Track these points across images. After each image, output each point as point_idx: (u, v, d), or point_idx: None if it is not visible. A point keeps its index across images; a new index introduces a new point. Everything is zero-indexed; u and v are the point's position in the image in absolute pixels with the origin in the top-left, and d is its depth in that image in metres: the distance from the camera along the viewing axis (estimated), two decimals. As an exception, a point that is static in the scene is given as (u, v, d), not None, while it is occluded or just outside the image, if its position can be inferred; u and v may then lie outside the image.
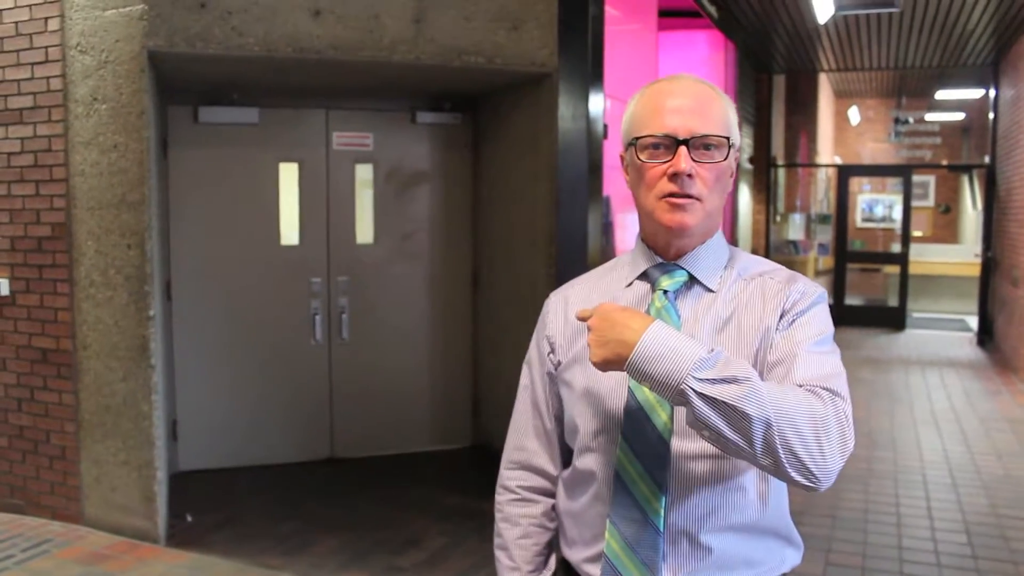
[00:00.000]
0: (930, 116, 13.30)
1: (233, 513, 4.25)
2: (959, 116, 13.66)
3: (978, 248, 10.98)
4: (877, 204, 14.16)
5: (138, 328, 3.79)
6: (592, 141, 4.18)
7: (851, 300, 11.45)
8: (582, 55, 4.14)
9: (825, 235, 12.02)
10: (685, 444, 1.25)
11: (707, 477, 1.26)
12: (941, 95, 12.27)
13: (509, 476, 1.50)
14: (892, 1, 5.55)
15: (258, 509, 4.32)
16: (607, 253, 4.52)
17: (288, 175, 5.05)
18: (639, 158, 1.30)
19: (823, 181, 12.90)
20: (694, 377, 1.09)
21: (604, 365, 1.17)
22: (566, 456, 1.45)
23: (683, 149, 1.26)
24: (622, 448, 1.28)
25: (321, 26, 3.78)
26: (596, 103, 4.18)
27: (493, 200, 5.12)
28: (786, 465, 1.10)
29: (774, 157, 10.29)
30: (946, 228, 15.12)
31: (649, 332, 1.14)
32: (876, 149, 14.57)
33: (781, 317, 1.27)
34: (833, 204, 12.51)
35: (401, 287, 5.27)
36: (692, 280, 1.33)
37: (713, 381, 1.09)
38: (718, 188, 1.30)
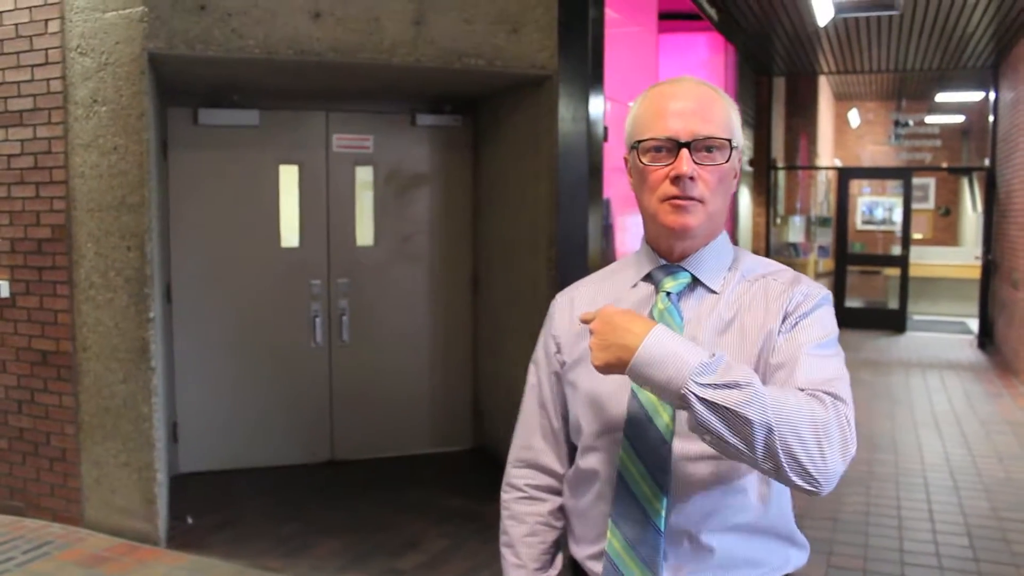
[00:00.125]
0: (930, 119, 13.31)
1: (233, 515, 4.25)
2: (959, 119, 13.66)
3: (978, 250, 10.99)
4: (877, 207, 14.17)
5: (138, 330, 3.78)
6: (592, 143, 4.18)
7: (851, 302, 11.45)
8: (582, 57, 4.14)
9: (825, 237, 12.03)
10: (687, 446, 1.26)
11: (708, 478, 1.26)
12: (941, 98, 12.27)
13: (516, 474, 1.51)
14: (892, 4, 5.55)
15: (258, 511, 4.32)
16: (607, 255, 4.52)
17: (288, 177, 5.05)
18: (641, 161, 1.30)
19: (823, 183, 12.90)
20: (695, 382, 1.09)
21: (606, 369, 1.18)
22: (573, 455, 1.46)
23: (685, 152, 1.26)
24: (624, 449, 1.29)
25: (321, 28, 3.78)
26: (596, 105, 4.18)
27: (493, 202, 5.12)
28: (787, 470, 1.10)
29: (774, 159, 10.29)
30: (946, 231, 15.12)
31: (651, 336, 1.14)
32: (876, 152, 14.58)
33: (784, 319, 1.27)
34: (833, 206, 12.52)
35: (401, 289, 5.27)
36: (695, 282, 1.34)
37: (715, 386, 1.09)
38: (720, 190, 1.31)
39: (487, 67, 4.05)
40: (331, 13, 3.79)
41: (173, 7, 3.61)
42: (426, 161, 5.29)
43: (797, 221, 11.49)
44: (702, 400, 1.09)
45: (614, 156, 4.60)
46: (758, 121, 9.93)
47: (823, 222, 12.20)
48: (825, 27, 7.44)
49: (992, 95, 10.00)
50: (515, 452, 1.52)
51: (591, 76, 4.15)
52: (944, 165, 13.38)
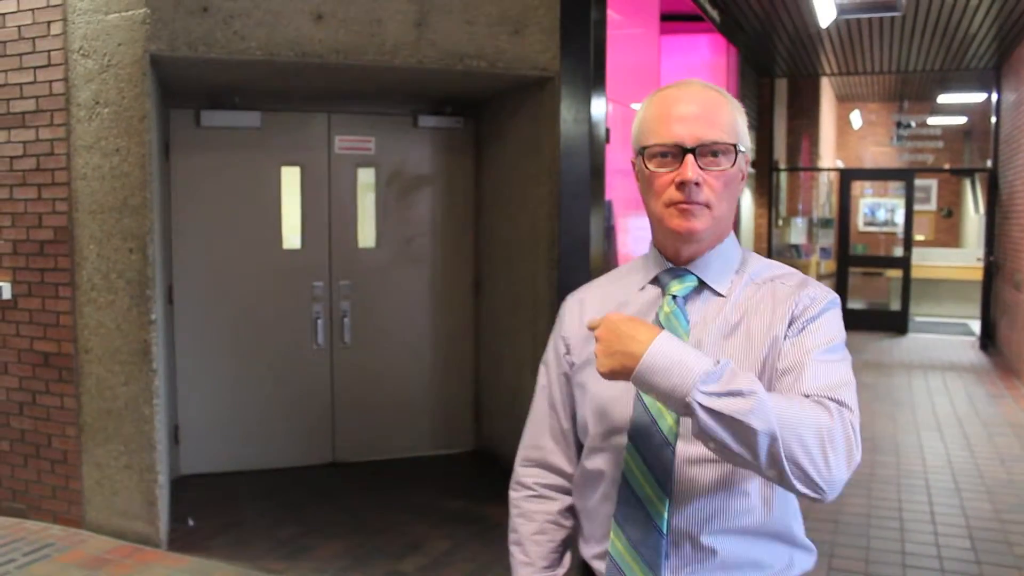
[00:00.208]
0: (932, 120, 13.29)
1: (235, 517, 4.25)
2: (961, 120, 13.64)
3: (980, 252, 10.97)
4: (879, 208, 14.15)
5: (140, 332, 3.79)
6: (594, 145, 4.18)
7: (853, 304, 11.44)
8: (584, 59, 4.14)
9: (827, 239, 12.01)
10: (690, 448, 1.26)
11: (711, 481, 1.27)
12: (943, 99, 12.26)
13: (525, 473, 1.52)
14: (894, 5, 5.55)
15: (260, 513, 4.32)
16: (609, 257, 4.52)
17: (290, 179, 5.05)
18: (647, 167, 1.31)
19: (825, 185, 12.88)
20: (699, 390, 1.10)
21: (611, 376, 1.18)
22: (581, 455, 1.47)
23: (690, 158, 1.26)
24: (628, 451, 1.30)
25: (323, 30, 3.79)
26: (598, 107, 4.17)
27: (495, 204, 5.12)
28: (791, 477, 1.10)
29: (776, 161, 10.29)
30: (948, 232, 15.10)
31: (655, 344, 1.14)
32: (878, 153, 14.56)
33: (791, 324, 1.27)
34: (835, 208, 12.50)
35: (403, 291, 5.27)
36: (702, 285, 1.34)
37: (718, 395, 1.10)
38: (726, 194, 1.31)
39: (489, 69, 4.05)
40: (333, 15, 3.79)
41: (175, 9, 3.61)
42: (428, 163, 5.29)
43: (799, 223, 11.48)
44: (706, 408, 1.10)
45: (616, 158, 4.60)
46: (760, 123, 9.93)
47: (825, 224, 12.18)
48: (827, 28, 7.44)
49: (994, 96, 9.98)
50: (524, 451, 1.53)
51: (593, 78, 4.15)
52: (946, 166, 13.37)
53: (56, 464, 4.03)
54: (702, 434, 1.12)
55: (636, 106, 5.35)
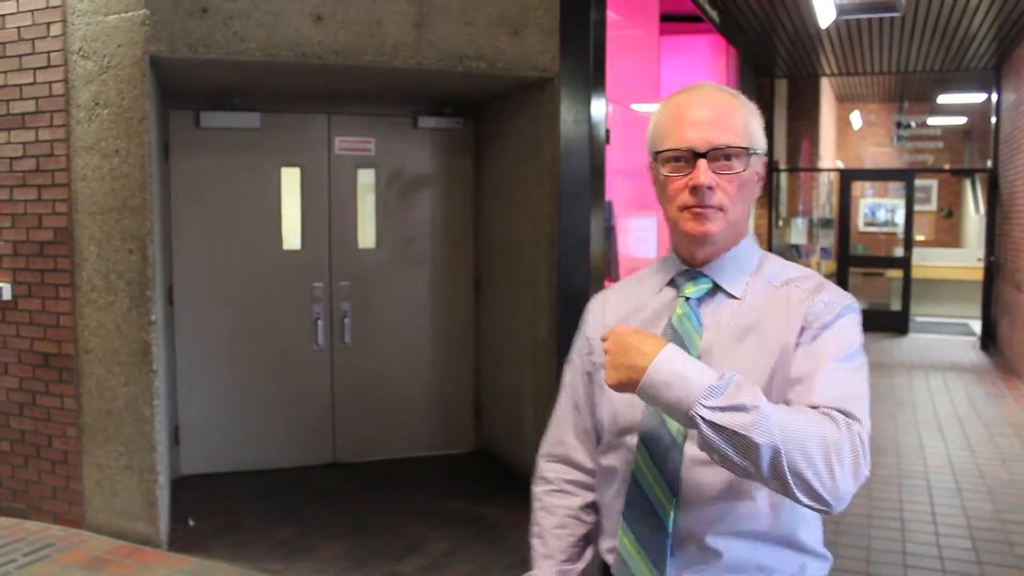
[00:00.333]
0: (932, 120, 13.29)
1: (235, 518, 4.25)
2: (961, 120, 13.64)
3: (981, 252, 10.96)
4: (879, 208, 14.15)
5: (140, 333, 3.79)
6: (594, 146, 4.17)
7: (854, 304, 11.42)
8: (584, 60, 4.14)
9: (827, 239, 12.00)
10: (698, 451, 1.26)
11: (718, 484, 1.27)
12: (943, 99, 12.26)
13: (548, 468, 1.54)
14: (894, 5, 5.54)
15: (260, 514, 4.31)
16: (609, 258, 4.52)
17: (290, 180, 5.05)
18: (661, 171, 1.32)
19: (825, 185, 12.88)
20: (702, 404, 1.11)
21: (617, 387, 1.20)
22: None
23: (702, 162, 1.27)
24: (639, 450, 1.32)
25: (323, 31, 3.79)
26: (598, 108, 4.17)
27: (495, 204, 5.12)
28: (795, 490, 1.11)
29: (776, 161, 10.28)
30: (949, 232, 15.10)
31: (660, 358, 1.15)
32: (878, 153, 14.56)
33: (804, 331, 1.26)
34: (835, 208, 12.50)
35: (403, 291, 5.27)
36: (716, 287, 1.35)
37: (721, 409, 1.11)
38: (740, 197, 1.31)
39: (489, 69, 4.05)
40: (332, 16, 3.80)
41: (175, 10, 3.61)
42: (428, 163, 5.29)
43: (799, 223, 11.48)
44: (708, 422, 1.11)
45: (616, 158, 4.60)
46: (760, 123, 9.91)
47: (825, 224, 12.17)
48: (827, 29, 7.44)
49: (994, 96, 9.98)
50: (548, 447, 1.56)
51: (593, 78, 4.14)
52: (946, 167, 13.37)
53: (56, 464, 4.03)
54: (705, 447, 1.13)
55: (636, 107, 5.36)
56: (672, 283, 1.39)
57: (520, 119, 4.65)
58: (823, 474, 1.10)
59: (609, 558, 1.40)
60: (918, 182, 12.92)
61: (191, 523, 4.13)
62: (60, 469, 4.03)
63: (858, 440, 1.14)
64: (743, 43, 7.87)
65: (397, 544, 3.92)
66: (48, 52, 3.85)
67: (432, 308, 5.36)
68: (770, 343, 1.27)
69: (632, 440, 1.33)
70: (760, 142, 1.33)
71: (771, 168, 10.01)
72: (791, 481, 1.10)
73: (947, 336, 10.86)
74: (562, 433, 1.53)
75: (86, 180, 3.83)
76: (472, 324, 5.42)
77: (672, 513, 1.28)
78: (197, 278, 4.83)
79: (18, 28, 3.91)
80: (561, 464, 1.52)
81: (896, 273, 11.43)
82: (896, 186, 13.48)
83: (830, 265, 11.93)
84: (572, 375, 1.52)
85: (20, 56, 3.92)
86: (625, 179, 5.01)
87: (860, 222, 13.84)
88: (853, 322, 1.28)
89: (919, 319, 11.85)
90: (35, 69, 3.89)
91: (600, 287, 4.28)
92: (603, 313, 1.47)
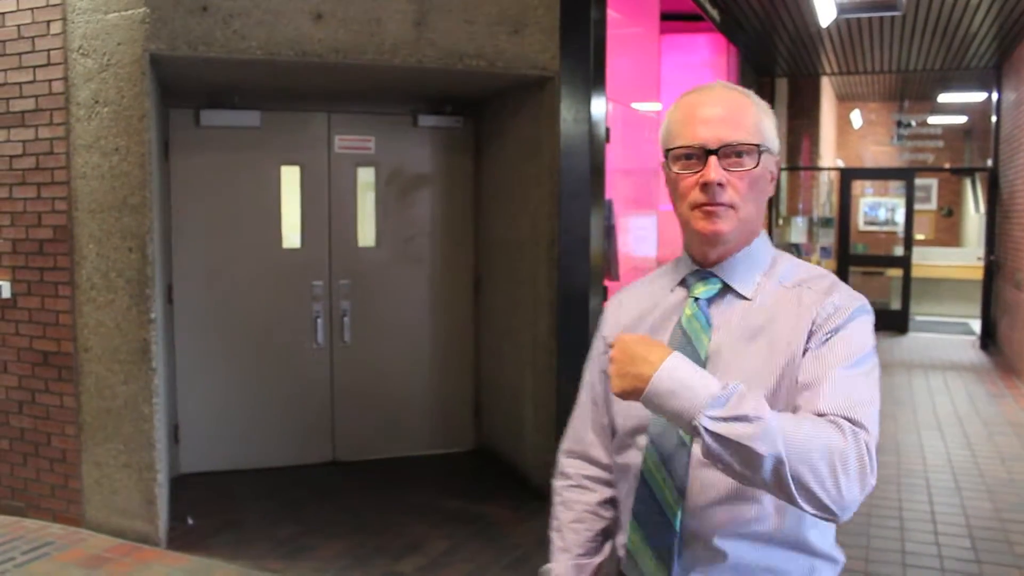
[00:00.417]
0: (932, 119, 13.29)
1: (234, 516, 4.25)
2: (961, 119, 13.64)
3: (981, 251, 10.97)
4: (879, 207, 14.15)
5: (139, 331, 3.78)
6: (594, 144, 4.18)
7: (854, 303, 11.42)
8: (584, 58, 4.14)
9: (827, 238, 12.00)
10: None
11: (725, 485, 1.27)
12: (943, 98, 12.25)
13: (567, 464, 1.56)
14: (894, 4, 5.54)
15: (259, 512, 4.31)
16: (609, 256, 4.52)
17: (290, 178, 5.05)
18: (673, 169, 1.32)
19: (825, 184, 12.88)
20: (705, 415, 1.11)
21: (623, 395, 1.21)
22: None
23: (713, 159, 1.27)
24: (648, 449, 1.33)
25: (323, 29, 3.78)
26: (598, 106, 4.17)
27: (495, 203, 5.12)
28: (799, 499, 1.11)
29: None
30: (949, 231, 15.10)
31: (664, 367, 1.16)
32: (878, 152, 14.56)
33: (813, 335, 1.25)
34: (835, 207, 12.50)
35: (403, 290, 5.27)
36: (726, 287, 1.34)
37: (724, 419, 1.11)
38: (752, 195, 1.31)
39: (489, 68, 4.04)
40: (332, 14, 3.79)
41: (175, 8, 3.61)
42: (428, 162, 5.29)
43: (799, 222, 11.48)
44: (711, 433, 1.11)
45: (616, 157, 4.60)
46: (760, 122, 9.90)
47: (825, 223, 12.18)
48: (827, 28, 7.43)
49: (995, 95, 9.98)
50: (568, 443, 1.57)
51: (593, 77, 4.15)
52: (947, 166, 13.36)
53: (55, 463, 4.04)
54: (709, 456, 1.13)
55: (636, 105, 5.35)
56: (683, 283, 1.39)
57: (520, 118, 4.65)
58: (827, 484, 1.10)
59: (622, 552, 1.42)
60: (918, 181, 12.92)
61: (190, 521, 4.13)
62: (59, 467, 4.03)
63: (864, 449, 1.13)
64: (743, 42, 7.86)
65: (397, 543, 3.92)
66: (48, 50, 3.85)
67: (432, 306, 5.36)
68: (779, 345, 1.27)
69: (643, 440, 1.34)
70: (772, 141, 1.33)
71: (772, 167, 9.99)
72: (794, 490, 1.10)
73: (947, 335, 10.87)
74: (581, 429, 1.54)
75: (86, 178, 3.83)
76: (472, 323, 5.42)
77: (679, 513, 1.29)
78: (197, 276, 4.83)
79: (18, 26, 3.91)
80: (580, 460, 1.54)
81: (896, 272, 11.43)
82: (896, 185, 13.48)
83: (830, 264, 11.92)
84: (591, 372, 1.53)
85: (20, 54, 3.91)
86: (625, 178, 5.01)
87: (860, 221, 13.84)
88: (865, 324, 1.27)
89: (919, 318, 11.85)
90: (35, 67, 3.89)
91: (600, 286, 4.29)
92: (618, 312, 1.48)
